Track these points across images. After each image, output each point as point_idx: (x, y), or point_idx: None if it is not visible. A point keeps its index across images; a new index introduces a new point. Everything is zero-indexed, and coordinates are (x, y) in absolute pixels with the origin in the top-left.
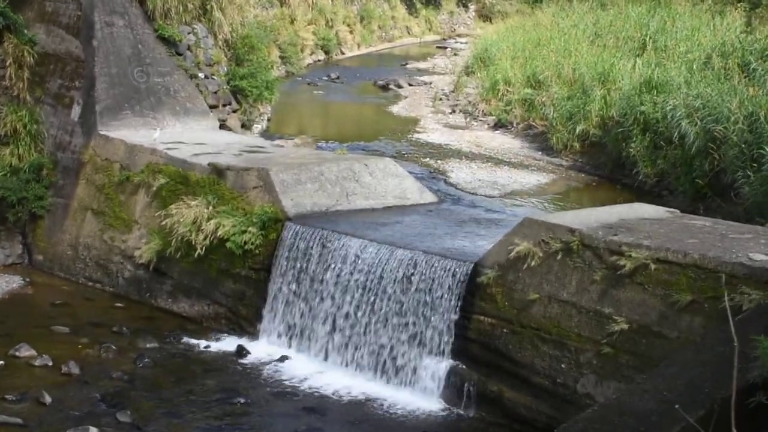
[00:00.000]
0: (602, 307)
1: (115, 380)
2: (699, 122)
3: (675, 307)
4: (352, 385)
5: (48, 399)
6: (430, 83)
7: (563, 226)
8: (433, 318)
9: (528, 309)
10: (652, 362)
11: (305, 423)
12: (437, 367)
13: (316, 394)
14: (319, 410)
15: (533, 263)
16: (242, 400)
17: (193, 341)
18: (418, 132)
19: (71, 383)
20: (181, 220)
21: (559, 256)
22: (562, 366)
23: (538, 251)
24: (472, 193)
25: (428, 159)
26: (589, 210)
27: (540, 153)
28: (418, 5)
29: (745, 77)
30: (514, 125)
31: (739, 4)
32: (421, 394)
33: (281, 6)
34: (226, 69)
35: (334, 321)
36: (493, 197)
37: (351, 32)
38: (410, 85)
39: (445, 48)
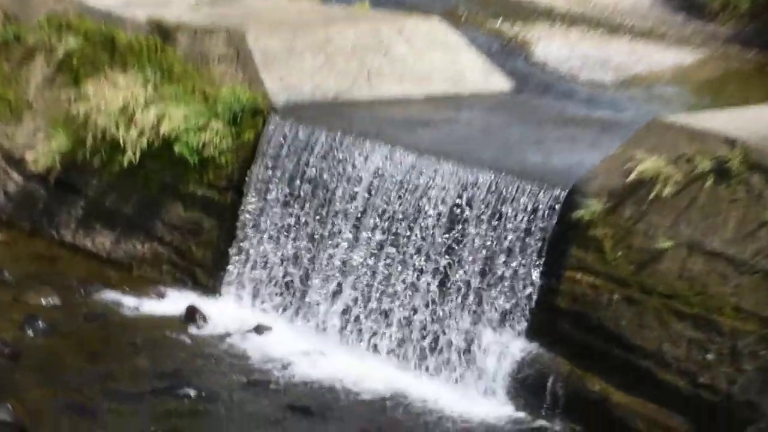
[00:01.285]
0: None
1: None
2: None
3: None
4: (366, 373)
5: None
6: None
7: (716, 134)
8: (499, 273)
9: (655, 264)
10: None
11: (293, 430)
12: (504, 350)
13: (310, 385)
14: (316, 411)
15: (665, 192)
16: (193, 393)
17: (117, 298)
18: None
19: None
20: (103, 106)
21: (708, 183)
22: (709, 357)
23: (673, 173)
24: (569, 79)
25: (500, 21)
26: (759, 109)
27: (682, 15)
28: None
29: None
30: None
31: None
32: (476, 392)
33: None
34: None
35: (341, 274)
36: (604, 85)
37: None
38: None
39: None
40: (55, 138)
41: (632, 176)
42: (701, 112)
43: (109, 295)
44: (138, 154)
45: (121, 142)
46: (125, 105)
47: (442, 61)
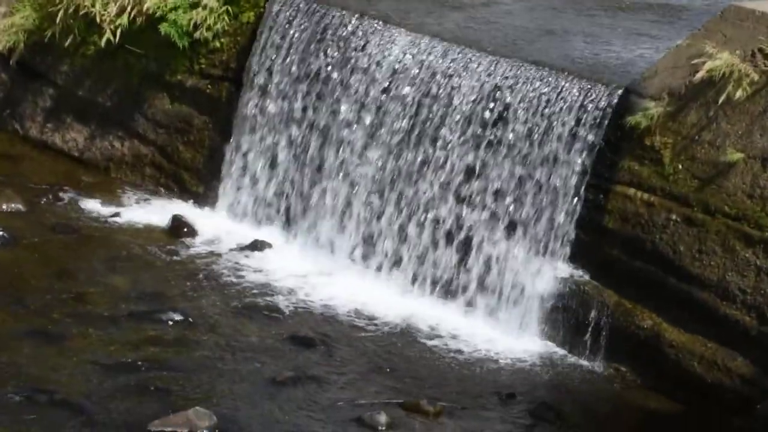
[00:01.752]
0: None
1: None
2: None
3: None
4: (377, 299)
5: None
6: None
7: None
8: (537, 187)
9: (722, 180)
10: None
11: (293, 365)
12: (540, 277)
13: (313, 313)
14: (320, 344)
15: (738, 94)
16: (177, 318)
17: (91, 205)
18: None
19: None
20: None
21: None
22: None
23: (749, 71)
24: None
25: None
26: None
27: None
28: None
29: None
30: None
31: None
32: (505, 325)
33: None
34: None
35: (353, 184)
36: None
37: None
38: None
39: None
40: (19, 12)
41: (699, 74)
42: None
43: (82, 202)
44: (117, 35)
45: (98, 19)
46: None
47: None
